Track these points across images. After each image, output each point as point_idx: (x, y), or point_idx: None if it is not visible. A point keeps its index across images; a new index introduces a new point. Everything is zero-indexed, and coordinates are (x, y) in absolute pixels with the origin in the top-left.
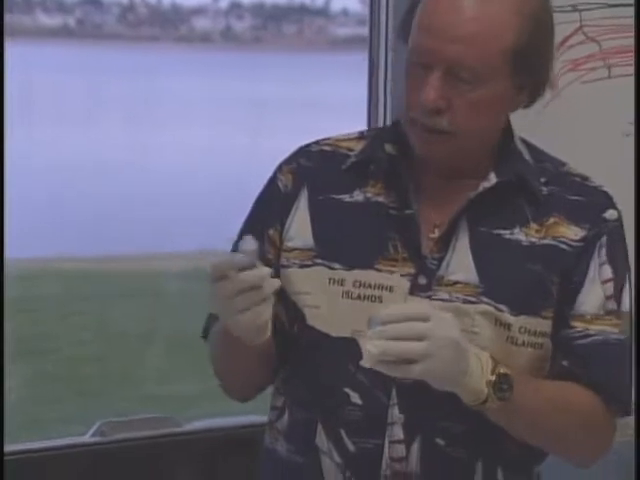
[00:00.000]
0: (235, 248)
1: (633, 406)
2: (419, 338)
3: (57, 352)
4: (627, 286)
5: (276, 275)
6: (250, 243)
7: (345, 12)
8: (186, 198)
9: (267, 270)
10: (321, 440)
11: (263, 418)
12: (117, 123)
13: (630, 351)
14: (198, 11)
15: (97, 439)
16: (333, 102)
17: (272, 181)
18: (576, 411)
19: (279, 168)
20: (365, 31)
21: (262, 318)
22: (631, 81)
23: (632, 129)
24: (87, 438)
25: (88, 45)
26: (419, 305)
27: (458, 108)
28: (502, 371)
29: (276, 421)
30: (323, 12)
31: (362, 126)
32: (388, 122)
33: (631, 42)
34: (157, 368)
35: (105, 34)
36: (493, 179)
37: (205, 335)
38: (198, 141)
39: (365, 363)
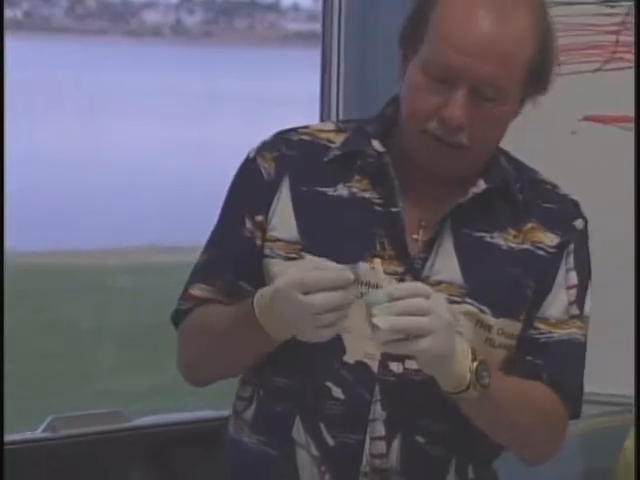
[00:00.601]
0: (217, 238)
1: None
2: (424, 314)
3: (8, 347)
4: (589, 292)
5: (259, 263)
6: (362, 267)
7: (296, 7)
8: (136, 193)
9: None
10: (298, 433)
11: (214, 413)
12: (66, 117)
13: (584, 352)
14: (148, 5)
15: (48, 434)
16: (284, 97)
17: (253, 166)
18: (538, 407)
19: (259, 154)
20: (316, 26)
21: (341, 331)
22: (580, 78)
23: (580, 126)
24: (38, 433)
25: (36, 38)
26: (418, 284)
27: (478, 124)
28: (481, 358)
29: (243, 412)
30: (274, 7)
31: (314, 121)
32: (341, 117)
33: (579, 40)
34: (110, 363)
35: (53, 27)
36: (482, 185)
37: (176, 319)
38: (148, 136)
39: (373, 339)
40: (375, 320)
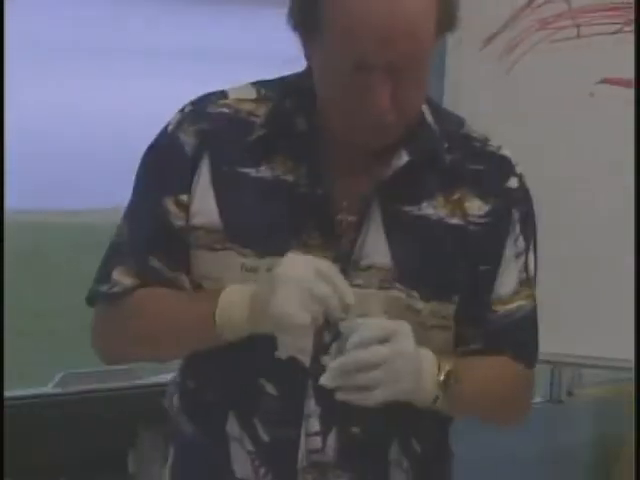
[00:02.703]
0: (134, 220)
1: None
2: (377, 366)
3: (19, 306)
4: (532, 249)
5: (184, 246)
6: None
7: None
8: (78, 157)
9: None
10: (232, 427)
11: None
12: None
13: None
14: None
15: (58, 390)
16: (225, 50)
17: (173, 139)
18: (509, 381)
19: (180, 127)
20: None
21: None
22: (599, 40)
23: (597, 89)
24: (49, 389)
25: None
26: (380, 322)
27: (402, 97)
28: (448, 368)
29: (180, 401)
30: None
31: (254, 75)
32: None
33: (599, 1)
34: None
35: None
36: (405, 157)
37: (92, 300)
38: (95, 92)
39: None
40: (322, 380)
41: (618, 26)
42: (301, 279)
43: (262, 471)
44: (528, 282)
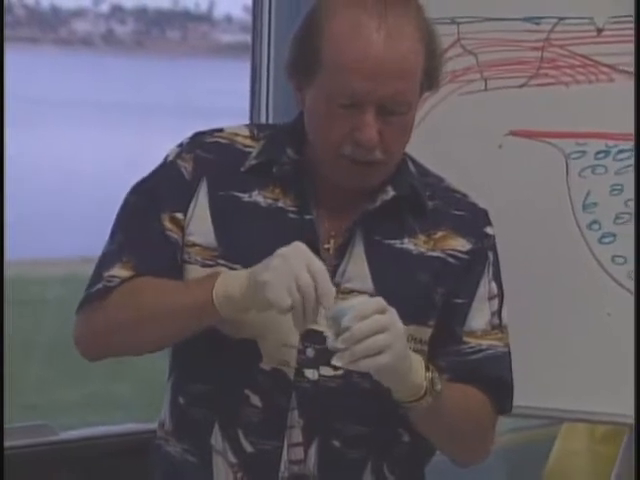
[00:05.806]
0: (131, 235)
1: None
2: (382, 330)
3: None
4: (503, 300)
5: (177, 258)
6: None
7: (228, 19)
8: (67, 203)
9: None
10: (216, 439)
11: (141, 426)
12: None
13: (511, 360)
14: (78, 14)
15: None
16: (216, 108)
17: (172, 166)
18: (475, 411)
19: (179, 156)
20: (248, 38)
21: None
22: (506, 93)
23: (506, 141)
24: None
25: None
26: (371, 299)
27: (389, 137)
28: (432, 368)
29: (167, 421)
30: (207, 18)
31: None
32: None
33: (505, 55)
34: (37, 375)
35: None
36: (391, 192)
37: (82, 304)
38: (79, 147)
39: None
40: (334, 361)
41: (524, 79)
42: (293, 265)
43: None
44: (501, 328)
